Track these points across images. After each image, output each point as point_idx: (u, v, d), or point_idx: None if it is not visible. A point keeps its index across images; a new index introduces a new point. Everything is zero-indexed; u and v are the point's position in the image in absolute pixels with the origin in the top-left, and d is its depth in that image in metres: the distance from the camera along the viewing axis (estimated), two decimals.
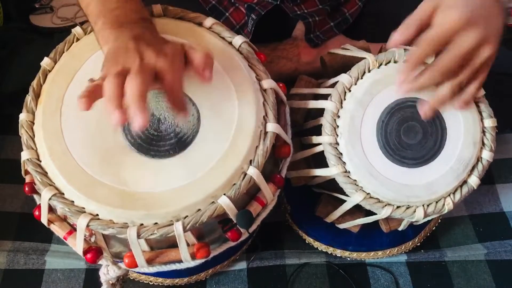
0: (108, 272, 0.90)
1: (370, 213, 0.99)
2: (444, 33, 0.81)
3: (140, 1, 0.85)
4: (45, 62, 0.89)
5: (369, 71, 0.95)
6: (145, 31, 0.78)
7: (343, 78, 0.95)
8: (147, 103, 0.72)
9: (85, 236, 0.82)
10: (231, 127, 0.83)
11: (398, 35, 0.83)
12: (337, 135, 0.94)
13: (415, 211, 0.95)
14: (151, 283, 1.19)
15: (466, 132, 0.95)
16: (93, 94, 0.71)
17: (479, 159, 0.96)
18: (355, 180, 0.94)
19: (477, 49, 0.82)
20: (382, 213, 0.95)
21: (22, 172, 0.89)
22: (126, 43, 0.74)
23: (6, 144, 1.44)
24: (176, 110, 0.75)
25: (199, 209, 0.79)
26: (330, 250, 1.23)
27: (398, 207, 0.95)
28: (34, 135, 0.84)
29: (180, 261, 0.86)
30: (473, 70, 0.84)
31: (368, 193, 0.94)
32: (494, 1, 0.84)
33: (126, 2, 0.81)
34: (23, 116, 0.85)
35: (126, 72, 0.71)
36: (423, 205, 0.95)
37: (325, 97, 0.97)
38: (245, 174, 0.81)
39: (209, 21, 0.93)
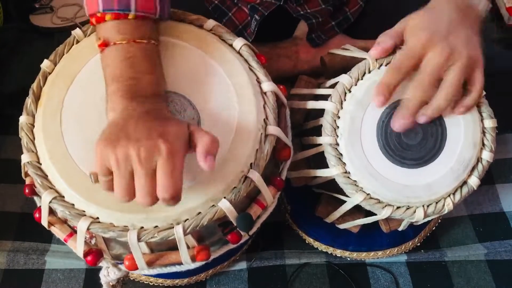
0: (108, 274, 0.90)
1: (370, 213, 1.00)
2: (406, 57, 0.88)
3: (160, 75, 0.83)
4: (45, 64, 0.89)
5: (369, 71, 0.95)
6: (153, 109, 0.76)
7: (343, 79, 0.95)
8: None
9: (85, 238, 0.82)
10: (231, 130, 0.82)
11: (374, 50, 0.93)
12: (337, 136, 0.94)
13: (415, 212, 0.95)
14: (151, 284, 1.19)
15: (466, 132, 0.95)
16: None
17: (479, 159, 0.96)
18: (355, 180, 0.94)
19: (445, 65, 0.86)
20: (382, 214, 0.95)
21: (23, 174, 0.89)
22: (128, 122, 0.73)
23: (6, 144, 1.43)
24: (169, 197, 0.71)
25: (199, 212, 0.79)
26: (330, 250, 1.23)
27: (398, 207, 0.95)
28: (34, 138, 0.84)
29: (180, 264, 0.86)
30: (448, 86, 0.87)
31: (368, 194, 0.94)
32: (469, 12, 0.90)
33: (144, 74, 0.79)
34: (23, 119, 0.85)
35: (129, 166, 0.70)
36: (423, 206, 0.95)
37: (325, 97, 0.97)
38: (246, 177, 0.81)
39: (210, 23, 0.92)
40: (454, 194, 0.96)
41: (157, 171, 0.69)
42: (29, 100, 0.86)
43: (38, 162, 0.82)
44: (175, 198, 0.71)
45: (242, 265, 1.23)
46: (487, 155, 0.96)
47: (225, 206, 0.78)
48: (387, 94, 0.89)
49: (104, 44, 0.80)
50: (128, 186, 0.70)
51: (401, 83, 0.89)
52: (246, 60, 0.91)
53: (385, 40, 0.92)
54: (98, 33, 0.82)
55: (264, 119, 0.85)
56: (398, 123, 0.91)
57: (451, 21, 0.87)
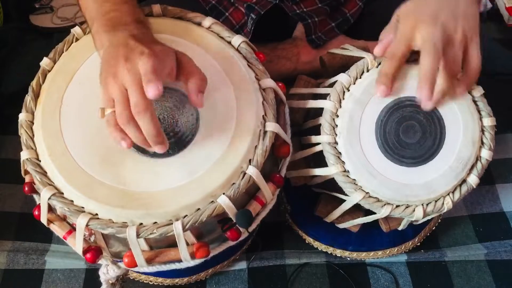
0: (107, 271, 0.90)
1: (369, 212, 1.00)
2: (400, 43, 0.88)
3: (136, 4, 0.85)
4: (45, 62, 0.89)
5: (367, 70, 0.95)
6: (138, 32, 0.78)
7: (342, 78, 0.95)
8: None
9: (84, 235, 0.82)
10: (230, 126, 0.83)
11: (378, 48, 0.92)
12: (336, 135, 0.94)
13: (414, 210, 0.95)
14: (151, 283, 1.19)
15: (465, 131, 0.95)
16: (121, 128, 0.73)
17: (478, 158, 0.96)
18: (354, 179, 0.94)
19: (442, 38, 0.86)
20: (382, 212, 0.95)
21: (22, 172, 0.89)
22: (117, 49, 0.75)
23: (6, 144, 1.44)
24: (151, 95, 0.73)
25: (198, 209, 0.79)
26: (330, 250, 1.23)
27: (397, 206, 0.95)
28: (33, 135, 0.84)
29: (179, 261, 0.86)
30: (445, 67, 0.87)
31: (367, 192, 0.94)
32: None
33: (121, 5, 0.82)
34: (22, 116, 0.85)
35: (124, 92, 0.72)
36: (422, 204, 0.95)
37: (324, 96, 0.97)
38: (245, 174, 0.81)
39: (208, 21, 0.93)
40: (453, 192, 0.96)
41: (140, 71, 0.72)
42: (28, 98, 0.86)
43: (37, 159, 0.83)
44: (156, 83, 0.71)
45: (242, 265, 1.23)
46: (486, 154, 0.96)
47: (224, 202, 0.79)
48: (388, 83, 0.90)
49: None
50: (126, 108, 0.72)
51: (402, 82, 0.90)
52: (244, 57, 0.91)
53: (385, 35, 0.92)
54: None
55: (263, 116, 0.85)
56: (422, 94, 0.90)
57: (443, 5, 0.87)
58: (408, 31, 0.87)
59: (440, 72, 0.86)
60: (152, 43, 0.77)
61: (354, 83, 0.95)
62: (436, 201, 0.96)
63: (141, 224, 0.79)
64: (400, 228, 1.07)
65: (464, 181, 0.96)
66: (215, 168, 0.80)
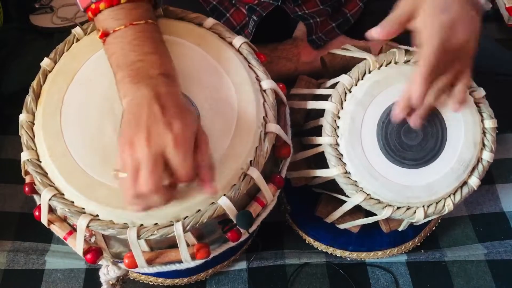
0: (108, 272, 0.90)
1: (370, 213, 0.99)
2: (432, 65, 0.83)
3: (165, 54, 0.82)
4: (45, 62, 0.89)
5: (369, 72, 0.95)
6: (163, 90, 0.75)
7: (343, 79, 0.95)
8: None
9: (85, 236, 0.82)
10: (231, 127, 0.83)
11: (376, 30, 0.86)
12: (338, 136, 0.94)
13: (415, 212, 0.95)
14: (151, 283, 1.19)
15: (467, 133, 0.95)
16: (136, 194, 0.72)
17: (479, 160, 0.96)
18: (356, 181, 0.94)
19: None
20: (383, 214, 0.95)
21: (22, 173, 0.89)
22: (140, 109, 0.73)
23: (6, 144, 1.43)
24: (184, 179, 0.73)
25: (199, 210, 0.79)
26: (330, 250, 1.23)
27: (398, 208, 0.95)
28: (34, 136, 0.84)
29: (180, 262, 0.86)
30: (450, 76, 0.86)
31: (368, 194, 0.94)
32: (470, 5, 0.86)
33: (146, 55, 0.78)
34: (23, 117, 0.85)
35: (137, 161, 0.71)
36: (423, 206, 0.95)
37: (325, 97, 0.97)
38: (245, 175, 0.81)
39: (209, 22, 0.93)
40: (454, 194, 0.96)
41: (170, 161, 0.71)
42: (29, 98, 0.86)
43: (38, 160, 0.82)
44: (190, 180, 0.72)
45: (242, 265, 1.23)
46: (487, 156, 0.96)
47: (225, 203, 0.78)
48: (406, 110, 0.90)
49: (104, 34, 0.80)
50: (135, 181, 0.71)
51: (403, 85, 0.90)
52: (245, 58, 0.91)
53: (387, 24, 0.87)
54: (97, 26, 0.82)
55: (263, 117, 0.85)
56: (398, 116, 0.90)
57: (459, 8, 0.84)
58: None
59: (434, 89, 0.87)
60: (176, 99, 0.75)
61: (356, 85, 0.95)
62: (437, 203, 0.96)
63: (142, 225, 0.78)
64: (400, 229, 1.07)
65: (465, 182, 0.96)
66: (216, 169, 0.80)
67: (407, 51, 0.95)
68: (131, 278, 1.19)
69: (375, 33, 0.86)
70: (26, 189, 0.87)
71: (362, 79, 0.95)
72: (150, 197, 0.71)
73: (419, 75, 0.84)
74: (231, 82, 0.86)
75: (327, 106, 0.95)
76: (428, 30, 0.83)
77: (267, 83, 0.88)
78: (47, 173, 0.81)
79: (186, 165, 0.70)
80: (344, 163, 0.94)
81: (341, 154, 0.94)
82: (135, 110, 0.73)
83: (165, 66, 0.79)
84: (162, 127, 0.70)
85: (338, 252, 1.23)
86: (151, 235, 0.77)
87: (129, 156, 0.70)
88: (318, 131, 0.97)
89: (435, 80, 0.86)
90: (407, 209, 0.95)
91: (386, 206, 0.94)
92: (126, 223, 0.78)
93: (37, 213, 0.86)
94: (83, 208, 0.79)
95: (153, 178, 0.69)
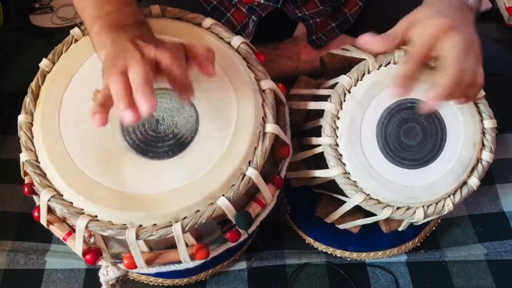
0: (107, 272, 0.90)
1: (370, 213, 0.99)
2: (424, 45, 0.82)
3: (137, 5, 0.84)
4: (44, 63, 0.89)
5: (368, 72, 0.95)
6: (142, 33, 0.77)
7: (342, 80, 0.95)
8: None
9: (84, 237, 0.82)
10: (229, 128, 0.83)
11: (367, 39, 0.86)
12: (337, 137, 0.94)
13: (415, 212, 0.95)
14: (151, 283, 1.19)
15: (466, 133, 0.95)
16: (104, 105, 0.70)
17: (479, 160, 0.96)
18: (355, 181, 0.94)
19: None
20: (382, 214, 0.95)
21: (21, 173, 0.89)
22: (123, 45, 0.73)
23: (6, 144, 1.43)
24: (183, 95, 0.74)
25: (198, 210, 0.79)
26: (330, 250, 1.23)
27: (398, 208, 0.95)
28: (32, 137, 0.84)
29: (179, 262, 0.86)
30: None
31: (368, 194, 0.94)
32: (466, 9, 0.87)
33: (122, 6, 0.81)
34: (21, 118, 0.85)
35: (126, 71, 0.70)
36: (423, 206, 0.95)
37: (324, 98, 0.97)
38: (244, 175, 0.81)
39: (208, 22, 0.93)
40: (454, 194, 0.96)
41: (161, 62, 0.71)
42: (27, 99, 0.86)
43: (37, 161, 0.82)
44: (187, 91, 0.72)
45: (242, 265, 1.23)
46: (487, 156, 0.96)
47: (224, 204, 0.79)
48: (401, 84, 0.85)
49: None
50: (124, 83, 0.70)
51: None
52: (244, 58, 0.91)
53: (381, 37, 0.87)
54: None
55: (262, 117, 0.85)
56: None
57: (455, 16, 0.83)
58: (429, 37, 0.81)
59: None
60: (159, 41, 0.76)
61: (355, 85, 0.95)
62: (437, 203, 0.96)
63: (141, 226, 0.79)
64: (400, 229, 1.07)
65: (465, 183, 0.96)
66: (215, 169, 0.80)
67: (406, 52, 0.95)
68: (131, 278, 1.19)
69: (365, 41, 0.86)
70: (26, 189, 0.87)
71: (361, 80, 0.95)
72: (137, 68, 0.70)
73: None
74: (230, 82, 0.86)
75: (326, 106, 0.95)
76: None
77: (266, 83, 0.88)
78: (46, 174, 0.82)
79: (181, 66, 0.71)
80: (344, 163, 0.94)
81: (341, 155, 0.94)
82: (118, 47, 0.74)
83: (139, 15, 0.82)
84: (150, 44, 0.72)
85: (338, 252, 1.23)
86: (150, 235, 0.77)
87: (118, 67, 0.70)
88: (317, 132, 0.97)
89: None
90: (407, 209, 0.95)
91: (385, 206, 0.94)
92: (125, 224, 0.78)
93: (36, 214, 0.86)
94: (82, 209, 0.79)
95: (143, 67, 0.70)
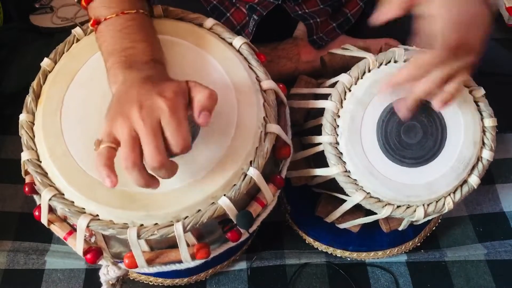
0: (108, 272, 0.90)
1: (370, 212, 1.00)
2: (430, 61, 0.81)
3: (155, 42, 0.83)
4: (45, 62, 0.89)
5: (369, 71, 0.95)
6: (153, 73, 0.77)
7: (343, 78, 0.95)
8: None
9: (85, 236, 0.82)
10: (231, 128, 0.82)
11: (379, 14, 0.83)
12: (337, 135, 0.94)
13: (415, 211, 0.95)
14: (151, 283, 1.19)
15: (466, 131, 0.95)
16: (110, 162, 0.69)
17: (479, 158, 0.97)
18: (355, 179, 0.94)
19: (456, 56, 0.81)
20: (382, 213, 0.95)
21: (22, 173, 0.89)
22: (132, 88, 0.72)
23: (6, 144, 1.43)
24: (180, 148, 0.71)
25: (199, 210, 0.79)
26: (330, 250, 1.23)
27: (398, 206, 0.95)
28: (34, 136, 0.84)
29: (180, 262, 0.86)
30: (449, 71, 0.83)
31: (368, 193, 0.94)
32: (480, 7, 0.83)
33: (138, 42, 0.80)
34: (23, 117, 0.85)
35: (134, 133, 0.69)
36: (423, 205, 0.95)
37: (325, 97, 0.97)
38: (245, 175, 0.81)
39: (209, 22, 0.93)
40: (454, 193, 0.97)
41: (164, 130, 0.69)
42: (29, 98, 0.86)
43: (38, 160, 0.82)
44: (186, 149, 0.70)
45: (242, 265, 1.23)
46: (487, 154, 0.96)
47: (225, 204, 0.78)
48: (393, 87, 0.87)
49: (96, 22, 0.82)
50: (133, 151, 0.69)
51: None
52: (245, 58, 0.91)
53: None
54: (89, 14, 0.84)
55: (263, 117, 0.85)
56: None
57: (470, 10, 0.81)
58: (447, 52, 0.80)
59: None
60: (165, 82, 0.74)
61: (356, 84, 0.95)
62: (437, 202, 0.96)
63: (142, 225, 0.78)
64: (400, 228, 1.07)
65: (465, 181, 0.96)
66: (216, 169, 0.80)
67: (406, 50, 0.95)
68: (131, 278, 1.19)
69: (376, 18, 0.84)
70: (26, 189, 0.87)
71: (362, 78, 0.95)
72: (158, 171, 0.69)
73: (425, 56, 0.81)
74: (231, 82, 0.86)
75: (327, 105, 0.95)
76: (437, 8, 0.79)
77: (267, 84, 0.88)
78: (47, 173, 0.81)
79: (181, 131, 0.69)
80: (344, 161, 0.94)
81: (341, 153, 0.94)
82: (127, 91, 0.73)
83: (156, 53, 0.81)
84: (155, 96, 0.70)
85: (338, 252, 1.23)
86: (151, 235, 0.77)
87: (124, 125, 0.69)
88: (318, 130, 0.97)
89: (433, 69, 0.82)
90: (407, 207, 0.95)
91: (386, 204, 0.95)
92: (126, 223, 0.78)
93: (37, 213, 0.86)
94: (83, 208, 0.79)
95: (158, 151, 0.68)
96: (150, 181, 0.70)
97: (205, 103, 0.71)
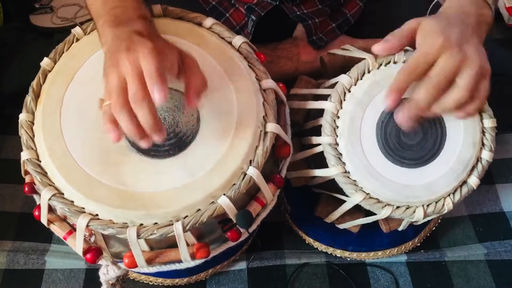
0: (108, 272, 0.90)
1: (370, 213, 0.99)
2: (422, 60, 0.83)
3: (141, 1, 0.85)
4: (45, 62, 0.89)
5: (368, 71, 0.95)
6: (143, 27, 0.78)
7: (342, 79, 0.95)
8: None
9: (85, 236, 0.82)
10: (230, 127, 0.83)
11: (379, 46, 0.88)
12: (337, 136, 0.94)
13: (415, 211, 0.95)
14: (151, 283, 1.19)
15: (466, 132, 0.95)
16: (114, 121, 0.72)
17: (478, 159, 0.96)
18: (355, 180, 0.94)
19: (458, 70, 0.82)
20: (382, 213, 0.95)
21: (22, 172, 0.89)
22: (120, 42, 0.74)
23: (6, 144, 1.43)
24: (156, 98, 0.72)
25: (198, 209, 0.79)
26: (330, 250, 1.23)
27: (398, 207, 0.95)
28: (34, 135, 0.84)
29: (180, 261, 0.86)
30: (459, 90, 0.83)
31: (367, 194, 0.94)
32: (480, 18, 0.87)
33: (125, 1, 0.82)
34: (23, 116, 0.85)
35: (123, 82, 0.71)
36: (422, 205, 0.95)
37: (324, 97, 0.97)
38: (245, 174, 0.81)
39: (209, 21, 0.93)
40: (453, 193, 0.96)
41: (140, 61, 0.71)
42: (29, 98, 0.86)
43: (38, 160, 0.82)
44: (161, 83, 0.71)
45: (242, 265, 1.23)
46: (486, 155, 0.96)
47: (225, 203, 0.79)
48: (398, 98, 0.86)
49: None
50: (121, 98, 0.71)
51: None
52: (245, 58, 0.91)
53: (391, 39, 0.88)
54: None
55: (263, 116, 0.85)
56: (404, 119, 0.87)
57: (465, 30, 0.84)
58: (433, 52, 0.82)
59: (451, 93, 0.84)
60: (156, 38, 0.77)
61: (355, 84, 0.95)
62: (436, 202, 0.96)
63: (142, 224, 0.79)
64: (400, 229, 1.07)
65: (464, 182, 0.96)
66: (216, 168, 0.80)
67: (406, 51, 0.95)
68: (131, 278, 1.19)
69: (377, 50, 0.88)
70: (26, 188, 0.87)
71: (361, 79, 0.95)
72: (142, 106, 0.71)
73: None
74: (231, 81, 0.86)
75: (326, 105, 0.95)
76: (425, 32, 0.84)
77: (267, 83, 0.88)
78: (46, 173, 0.82)
79: (156, 75, 0.70)
80: (344, 162, 0.94)
81: (341, 154, 0.94)
82: (116, 45, 0.75)
83: (142, 9, 0.83)
84: (144, 40, 0.73)
85: (338, 252, 1.23)
86: (151, 234, 0.77)
87: (114, 75, 0.72)
88: (317, 131, 0.97)
89: (458, 88, 0.83)
90: (407, 208, 0.95)
91: (385, 205, 0.94)
92: (126, 223, 0.78)
93: (36, 213, 0.86)
94: (83, 208, 0.79)
95: (143, 85, 0.70)
96: (139, 128, 0.72)
97: (200, 88, 0.75)
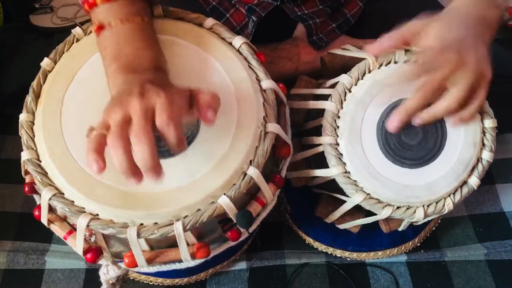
0: (108, 271, 0.90)
1: (370, 213, 0.99)
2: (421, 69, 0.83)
3: (158, 50, 0.83)
4: (45, 62, 0.89)
5: (369, 71, 0.95)
6: (155, 77, 0.76)
7: (343, 79, 0.95)
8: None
9: (85, 236, 0.82)
10: (231, 127, 0.82)
11: (374, 46, 0.89)
12: (337, 136, 0.94)
13: (415, 212, 0.95)
14: (151, 283, 1.19)
15: (466, 132, 0.95)
16: (100, 148, 0.67)
17: (479, 159, 0.97)
18: (355, 180, 0.94)
19: (453, 76, 0.82)
20: (382, 214, 0.95)
21: (22, 172, 0.89)
22: (131, 87, 0.71)
23: (6, 144, 1.44)
24: (175, 148, 0.70)
25: (199, 209, 0.79)
26: (330, 250, 1.23)
27: (398, 207, 0.95)
28: (34, 136, 0.84)
29: (180, 261, 0.86)
30: (452, 98, 0.84)
31: (368, 194, 0.94)
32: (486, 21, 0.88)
33: (142, 50, 0.80)
34: (23, 117, 0.85)
35: (127, 118, 0.68)
36: (423, 206, 0.95)
37: (325, 97, 0.97)
38: (245, 174, 0.81)
39: (209, 22, 0.93)
40: (454, 194, 0.96)
41: (156, 111, 0.68)
42: (29, 98, 0.86)
43: (38, 160, 0.82)
44: (178, 145, 0.69)
45: (242, 265, 1.23)
46: (487, 155, 0.96)
47: (225, 203, 0.78)
48: (405, 120, 0.87)
49: (100, 28, 0.81)
50: (123, 135, 0.67)
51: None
52: (245, 58, 0.91)
53: (384, 41, 0.88)
54: (92, 19, 0.83)
55: (263, 117, 0.85)
56: (392, 124, 0.88)
57: (467, 34, 0.85)
58: (438, 62, 0.82)
59: (443, 101, 0.84)
60: (168, 87, 0.74)
61: (356, 84, 0.95)
62: (437, 203, 0.96)
63: (142, 224, 0.78)
64: (400, 229, 1.07)
65: (465, 182, 0.96)
66: (216, 168, 0.80)
67: (407, 51, 0.95)
68: (131, 278, 1.19)
69: (369, 50, 0.90)
70: (26, 188, 0.87)
71: (362, 79, 0.95)
72: (141, 140, 0.67)
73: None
74: (231, 82, 0.86)
75: (327, 105, 0.95)
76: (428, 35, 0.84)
77: (267, 83, 0.88)
78: (47, 173, 0.81)
79: (174, 120, 0.68)
80: (344, 162, 0.94)
81: (341, 154, 0.94)
82: (127, 89, 0.72)
83: (158, 61, 0.81)
84: (157, 88, 0.69)
85: (338, 252, 1.23)
86: (151, 234, 0.77)
87: (119, 111, 0.68)
88: (318, 131, 0.97)
89: (451, 95, 0.83)
90: (407, 208, 0.95)
91: (385, 205, 0.94)
92: (126, 222, 0.78)
93: (37, 213, 0.86)
94: (83, 208, 0.79)
95: (148, 122, 0.67)
96: (135, 169, 0.68)
97: (211, 102, 0.71)
